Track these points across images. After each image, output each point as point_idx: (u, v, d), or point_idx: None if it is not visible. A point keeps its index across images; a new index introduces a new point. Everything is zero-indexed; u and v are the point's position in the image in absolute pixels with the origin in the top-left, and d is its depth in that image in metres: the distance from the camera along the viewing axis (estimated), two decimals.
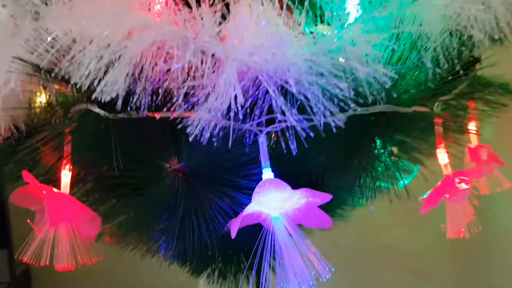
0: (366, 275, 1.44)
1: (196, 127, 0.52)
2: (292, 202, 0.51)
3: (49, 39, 0.50)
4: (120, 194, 0.55)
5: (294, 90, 0.48)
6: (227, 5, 0.52)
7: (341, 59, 0.51)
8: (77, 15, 0.52)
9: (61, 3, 0.54)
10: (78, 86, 0.52)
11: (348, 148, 0.58)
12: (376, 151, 0.60)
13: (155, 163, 0.54)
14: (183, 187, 0.54)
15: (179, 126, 0.52)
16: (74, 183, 0.62)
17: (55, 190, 0.61)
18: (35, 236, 0.61)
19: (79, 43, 0.51)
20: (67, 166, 0.61)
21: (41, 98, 0.60)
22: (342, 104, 0.52)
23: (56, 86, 0.58)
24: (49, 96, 0.59)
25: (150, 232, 0.58)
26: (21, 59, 0.54)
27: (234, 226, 0.51)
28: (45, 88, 0.59)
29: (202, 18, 0.48)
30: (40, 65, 0.54)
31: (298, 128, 0.52)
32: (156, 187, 0.55)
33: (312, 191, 0.50)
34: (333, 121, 0.50)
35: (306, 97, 0.52)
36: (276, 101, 0.50)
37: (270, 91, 0.49)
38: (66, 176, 0.62)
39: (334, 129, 0.50)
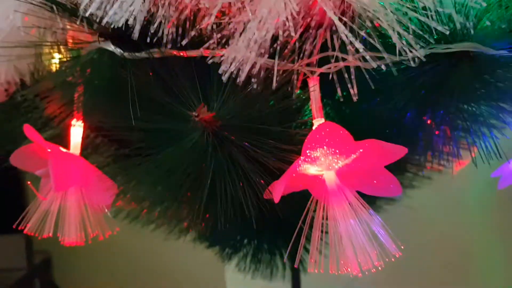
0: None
1: (230, 65, 0.41)
2: (354, 159, 0.40)
3: None
4: (136, 152, 0.45)
5: (365, 3, 0.36)
6: None
7: None
8: None
9: None
10: (88, 15, 0.42)
11: (421, 99, 0.46)
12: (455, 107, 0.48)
13: (180, 112, 0.44)
14: (214, 143, 0.43)
15: (210, 61, 0.41)
16: (86, 142, 0.53)
17: (62, 149, 0.51)
18: (39, 204, 0.51)
19: None
20: (78, 121, 0.52)
21: (50, 38, 0.50)
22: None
23: (65, 22, 0.48)
24: (57, 34, 0.49)
25: (172, 201, 0.48)
26: None
27: (278, 189, 0.40)
28: (52, 24, 0.49)
29: None
30: None
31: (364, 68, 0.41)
32: (180, 143, 0.44)
33: (382, 143, 0.38)
34: (412, 57, 0.38)
35: (373, 26, 0.40)
36: (337, 27, 0.38)
37: (329, 14, 0.38)
38: (76, 133, 0.52)
39: (412, 63, 0.39)
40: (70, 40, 0.49)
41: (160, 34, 0.42)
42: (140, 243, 1.25)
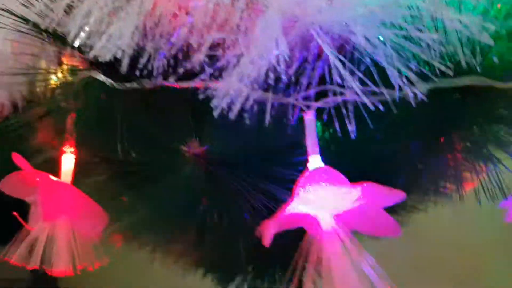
0: None
1: (223, 98, 0.39)
2: (349, 201, 0.38)
3: None
4: (126, 184, 0.44)
5: (362, 43, 0.35)
6: None
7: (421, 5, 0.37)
8: None
9: None
10: (77, 46, 0.41)
11: (423, 135, 0.44)
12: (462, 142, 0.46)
13: (171, 146, 0.42)
14: (205, 177, 0.42)
15: (202, 97, 0.40)
16: (76, 171, 0.51)
17: (52, 177, 0.50)
18: (26, 233, 0.50)
19: None
20: (70, 148, 0.50)
21: (40, 66, 0.48)
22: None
23: (56, 50, 0.47)
24: (50, 63, 0.48)
25: (163, 234, 0.46)
26: (10, 12, 0.43)
27: (269, 231, 0.38)
28: (44, 53, 0.47)
29: None
30: (34, 20, 0.43)
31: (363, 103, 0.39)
32: (171, 176, 0.43)
33: (379, 187, 0.36)
34: (413, 93, 0.37)
35: (373, 61, 0.39)
36: (333, 65, 0.37)
37: (326, 51, 0.36)
38: (67, 161, 0.51)
39: (413, 103, 0.37)
40: (64, 66, 0.48)
41: (150, 67, 0.40)
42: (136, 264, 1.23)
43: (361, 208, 0.39)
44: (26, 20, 0.42)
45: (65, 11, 0.42)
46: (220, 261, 0.53)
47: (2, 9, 0.42)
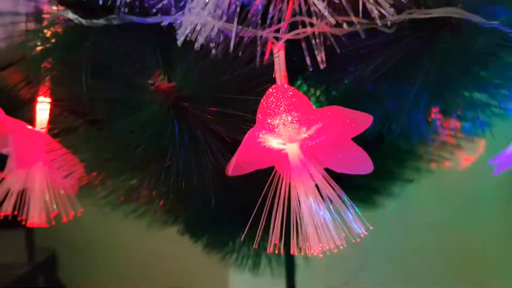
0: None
1: (186, 28, 0.38)
2: (317, 129, 0.36)
3: None
4: (92, 123, 0.43)
5: None
6: None
7: None
8: None
9: None
10: None
11: (397, 72, 0.42)
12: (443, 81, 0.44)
13: (138, 82, 0.41)
14: (174, 114, 0.41)
15: (164, 24, 0.38)
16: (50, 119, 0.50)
17: (27, 126, 0.49)
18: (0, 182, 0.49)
19: None
20: (44, 97, 0.50)
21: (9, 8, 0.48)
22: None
23: None
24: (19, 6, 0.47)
25: (130, 176, 0.45)
26: None
27: (232, 160, 0.36)
28: None
29: None
30: None
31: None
32: (139, 114, 0.41)
33: (344, 110, 0.35)
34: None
35: None
36: None
37: None
38: (42, 109, 0.50)
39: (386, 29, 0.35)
40: (33, 10, 0.47)
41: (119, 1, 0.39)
42: (145, 242, 1.23)
43: (329, 140, 0.38)
44: None
45: None
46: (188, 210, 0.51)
47: None
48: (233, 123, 0.40)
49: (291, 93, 0.34)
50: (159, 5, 0.42)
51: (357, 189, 0.68)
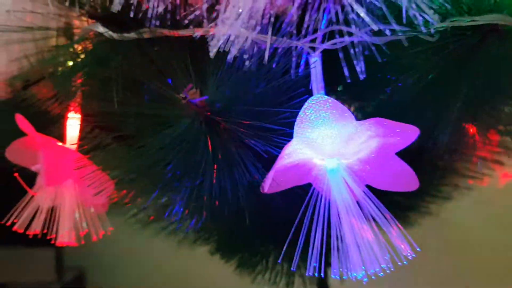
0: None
1: (220, 39, 0.37)
2: (359, 143, 0.34)
3: None
4: (122, 139, 0.41)
5: None
6: None
7: None
8: None
9: None
10: None
11: (440, 82, 0.40)
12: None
13: (170, 96, 0.40)
14: (206, 129, 0.39)
15: (196, 35, 0.37)
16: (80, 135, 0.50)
17: (56, 142, 0.48)
18: (29, 200, 0.48)
19: None
20: (74, 113, 0.49)
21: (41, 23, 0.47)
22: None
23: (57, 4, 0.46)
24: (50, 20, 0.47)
25: (161, 193, 0.43)
26: None
27: (268, 176, 0.34)
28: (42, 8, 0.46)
29: None
30: None
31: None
32: (170, 130, 0.40)
33: (388, 121, 0.33)
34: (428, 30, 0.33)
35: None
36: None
37: None
38: (72, 126, 0.50)
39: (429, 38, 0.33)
40: (64, 23, 0.47)
41: (150, 13, 0.38)
42: (175, 261, 1.21)
43: (371, 153, 0.35)
44: None
45: None
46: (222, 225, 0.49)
47: None
48: (268, 137, 0.39)
49: (331, 104, 0.32)
50: (191, 16, 0.41)
51: (392, 207, 0.65)
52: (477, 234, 1.10)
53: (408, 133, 0.33)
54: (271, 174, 0.35)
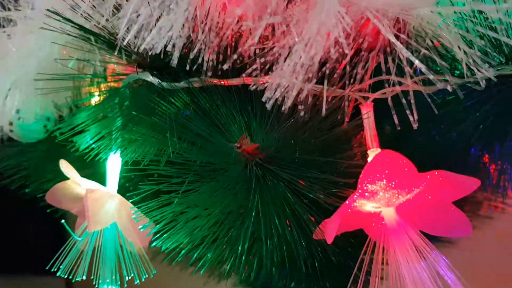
0: None
1: (275, 91, 0.38)
2: (419, 194, 0.35)
3: None
4: (174, 186, 0.42)
5: (422, 24, 0.32)
6: None
7: None
8: None
9: None
10: (126, 45, 0.41)
11: (487, 128, 0.41)
12: None
13: (221, 144, 0.41)
14: (258, 176, 0.40)
15: (253, 88, 0.38)
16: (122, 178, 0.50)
17: (99, 186, 0.49)
18: (73, 244, 0.48)
19: None
20: (116, 156, 0.49)
21: (88, 71, 0.48)
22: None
23: (103, 55, 0.46)
24: (97, 68, 0.48)
25: (212, 241, 0.44)
26: (58, 14, 0.43)
27: (331, 228, 0.35)
28: (91, 57, 0.47)
29: None
30: (82, 23, 0.43)
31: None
32: (221, 176, 0.41)
33: (450, 174, 0.33)
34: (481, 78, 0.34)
35: (434, 46, 0.36)
36: (391, 51, 0.35)
37: (385, 32, 0.34)
38: (113, 169, 0.50)
39: (478, 86, 0.34)
40: (109, 72, 0.47)
41: (200, 61, 0.39)
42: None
43: (428, 202, 0.36)
44: (74, 23, 0.42)
45: (113, 12, 0.42)
46: (269, 276, 0.50)
47: (51, 11, 0.42)
48: (321, 185, 0.39)
49: (395, 159, 0.33)
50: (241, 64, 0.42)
51: None
52: (502, 265, 1.11)
53: (468, 184, 0.34)
54: (330, 225, 0.36)
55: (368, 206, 0.37)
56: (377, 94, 0.40)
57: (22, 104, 0.50)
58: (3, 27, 0.51)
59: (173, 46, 0.38)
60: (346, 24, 0.32)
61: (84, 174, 0.48)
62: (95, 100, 0.49)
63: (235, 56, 0.38)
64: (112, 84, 0.48)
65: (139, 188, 0.44)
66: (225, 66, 0.38)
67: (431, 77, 0.35)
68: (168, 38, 0.37)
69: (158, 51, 0.37)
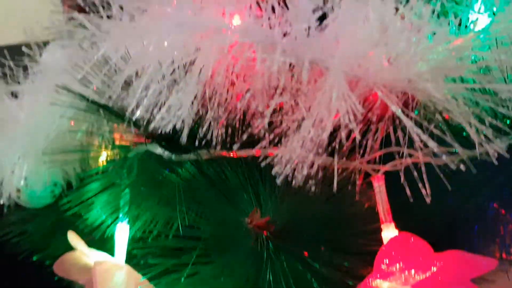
0: None
1: (285, 165, 0.37)
2: (436, 274, 0.34)
3: (96, 57, 0.39)
4: (184, 261, 0.41)
5: (430, 99, 0.32)
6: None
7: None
8: (136, 30, 0.41)
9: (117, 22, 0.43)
10: (135, 119, 0.41)
11: (504, 197, 0.41)
12: None
13: (231, 218, 0.40)
14: (269, 252, 0.39)
15: (263, 164, 0.38)
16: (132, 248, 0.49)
17: (107, 257, 0.48)
18: None
19: (137, 62, 0.40)
20: (125, 223, 0.49)
21: (96, 141, 0.48)
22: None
23: (112, 125, 0.47)
24: (105, 138, 0.48)
25: None
26: (67, 89, 0.43)
27: None
28: (100, 128, 0.47)
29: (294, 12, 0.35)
30: (92, 97, 0.43)
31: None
32: (231, 252, 0.40)
33: (466, 255, 0.33)
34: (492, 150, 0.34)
35: (443, 119, 0.36)
36: (400, 121, 0.35)
37: (393, 109, 0.34)
38: (121, 239, 0.49)
39: (494, 161, 0.34)
40: (117, 141, 0.48)
41: (209, 136, 0.39)
42: None
43: (445, 280, 0.35)
44: (84, 98, 0.43)
45: (122, 87, 0.42)
46: None
47: (61, 87, 0.43)
48: (334, 260, 0.39)
49: (411, 241, 0.32)
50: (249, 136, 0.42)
51: None
52: None
53: (485, 264, 0.33)
54: None
55: (385, 285, 0.36)
56: (388, 167, 0.39)
57: (30, 173, 0.50)
58: (16, 97, 0.51)
59: (182, 122, 0.38)
60: (353, 104, 0.32)
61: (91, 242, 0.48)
62: (103, 168, 0.49)
63: (244, 136, 0.38)
64: (120, 152, 0.48)
65: (147, 259, 0.44)
66: (235, 147, 0.38)
67: (439, 152, 0.35)
68: (178, 117, 0.37)
69: (167, 130, 0.37)
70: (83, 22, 0.47)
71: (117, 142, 0.47)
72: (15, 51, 0.52)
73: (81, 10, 0.49)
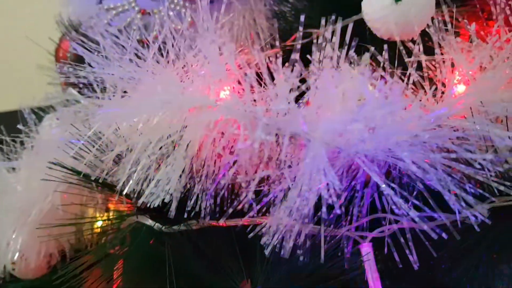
0: None
1: (273, 236, 0.38)
2: None
3: (89, 134, 0.40)
4: None
5: (411, 168, 0.33)
6: (302, 81, 0.40)
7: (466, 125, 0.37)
8: (127, 106, 0.42)
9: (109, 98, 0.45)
10: (125, 192, 0.42)
11: (493, 259, 0.41)
12: None
13: (223, 286, 0.40)
14: None
15: (251, 235, 0.38)
16: None
17: None
18: None
19: (127, 138, 0.41)
20: None
21: (88, 214, 0.49)
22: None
23: (104, 197, 0.48)
24: (97, 210, 0.49)
25: None
26: (61, 165, 0.44)
27: None
28: (92, 201, 0.48)
29: (275, 90, 0.37)
30: (84, 171, 0.45)
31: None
32: None
33: None
34: (473, 215, 0.34)
35: (425, 186, 0.37)
36: (385, 193, 0.35)
37: (375, 178, 0.35)
38: None
39: (476, 227, 0.35)
40: (111, 212, 0.48)
41: (197, 208, 0.40)
42: None
43: None
44: (76, 172, 0.44)
45: (114, 161, 0.43)
46: None
47: (53, 163, 0.44)
48: None
49: None
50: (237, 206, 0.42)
51: None
52: None
53: None
54: None
55: None
56: (375, 233, 0.40)
57: (25, 246, 0.51)
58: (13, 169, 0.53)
59: (171, 196, 0.39)
60: (332, 180, 0.33)
61: None
62: (97, 240, 0.49)
63: (230, 210, 0.39)
64: (113, 224, 0.48)
65: None
66: (221, 221, 0.39)
67: (420, 221, 0.36)
68: (166, 192, 0.38)
69: (156, 205, 0.38)
70: (78, 97, 0.50)
71: (110, 214, 0.48)
72: (12, 118, 0.54)
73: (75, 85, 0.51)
